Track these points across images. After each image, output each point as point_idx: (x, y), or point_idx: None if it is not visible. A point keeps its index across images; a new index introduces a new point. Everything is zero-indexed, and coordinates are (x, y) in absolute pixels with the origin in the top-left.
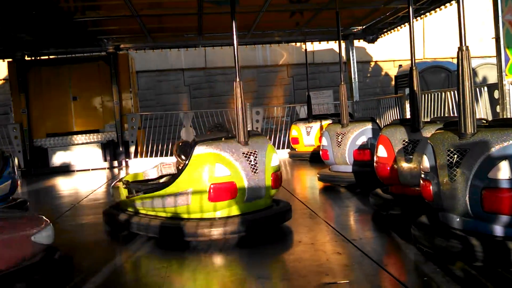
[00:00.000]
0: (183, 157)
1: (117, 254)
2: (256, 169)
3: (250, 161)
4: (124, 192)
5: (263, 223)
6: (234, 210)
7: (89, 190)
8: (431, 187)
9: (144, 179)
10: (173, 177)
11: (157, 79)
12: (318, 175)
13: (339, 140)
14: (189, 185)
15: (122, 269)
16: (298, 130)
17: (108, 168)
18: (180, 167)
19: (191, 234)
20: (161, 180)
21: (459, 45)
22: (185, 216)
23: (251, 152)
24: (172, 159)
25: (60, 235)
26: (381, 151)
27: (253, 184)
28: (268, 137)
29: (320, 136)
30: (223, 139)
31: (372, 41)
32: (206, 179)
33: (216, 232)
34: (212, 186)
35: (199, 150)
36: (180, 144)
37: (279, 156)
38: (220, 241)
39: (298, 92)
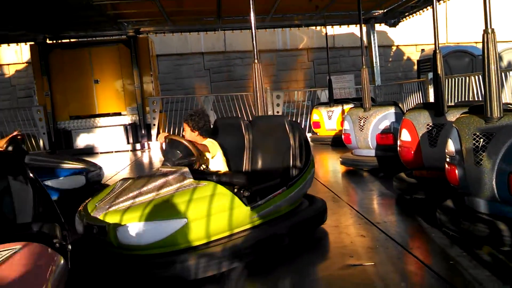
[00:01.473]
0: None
1: None
2: None
3: None
4: None
5: None
6: None
7: (113, 172)
8: (456, 171)
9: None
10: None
11: (177, 62)
12: (340, 159)
13: (361, 124)
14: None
15: None
16: (319, 114)
17: (131, 150)
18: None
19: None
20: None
21: (484, 28)
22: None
23: None
24: None
25: None
26: (405, 135)
27: None
28: None
29: (342, 120)
30: None
31: (393, 25)
32: None
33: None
34: None
35: None
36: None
37: None
38: None
39: (319, 76)
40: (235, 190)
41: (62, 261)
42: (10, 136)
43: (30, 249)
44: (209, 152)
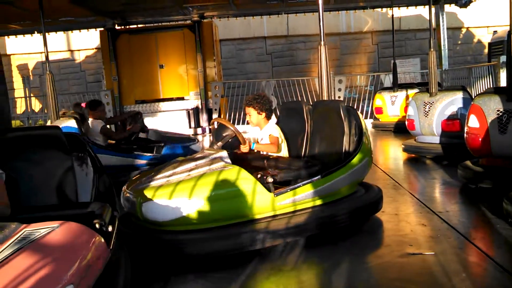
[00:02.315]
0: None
1: None
2: None
3: None
4: None
5: None
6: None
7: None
8: None
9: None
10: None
11: (239, 47)
12: (402, 146)
13: (426, 109)
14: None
15: None
16: (382, 100)
17: (193, 134)
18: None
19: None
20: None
21: None
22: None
23: None
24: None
25: None
26: (473, 121)
27: None
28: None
29: (406, 106)
30: None
31: (464, 5)
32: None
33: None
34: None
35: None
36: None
37: None
38: None
39: (383, 60)
40: (259, 176)
41: (100, 241)
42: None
43: (67, 227)
44: (277, 141)
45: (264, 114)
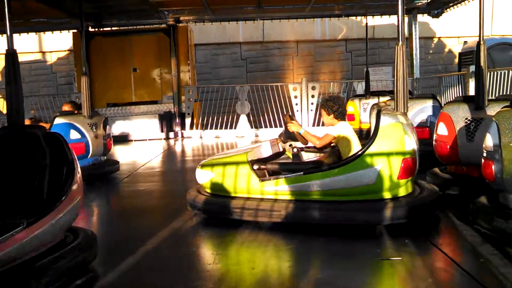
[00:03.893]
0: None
1: (174, 220)
2: (417, 144)
3: (413, 134)
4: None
5: (430, 207)
6: (402, 191)
7: (146, 159)
8: (493, 167)
9: (258, 159)
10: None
11: (214, 52)
12: None
13: None
14: (378, 161)
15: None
16: (354, 107)
17: (164, 139)
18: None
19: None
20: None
21: None
22: (353, 198)
23: (411, 125)
24: (238, 133)
25: (117, 200)
26: (442, 129)
27: (418, 160)
28: None
29: None
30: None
31: (437, 15)
32: (396, 154)
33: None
34: (403, 161)
35: (385, 121)
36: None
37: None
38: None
39: (356, 68)
40: (254, 165)
41: None
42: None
43: None
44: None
45: (332, 115)
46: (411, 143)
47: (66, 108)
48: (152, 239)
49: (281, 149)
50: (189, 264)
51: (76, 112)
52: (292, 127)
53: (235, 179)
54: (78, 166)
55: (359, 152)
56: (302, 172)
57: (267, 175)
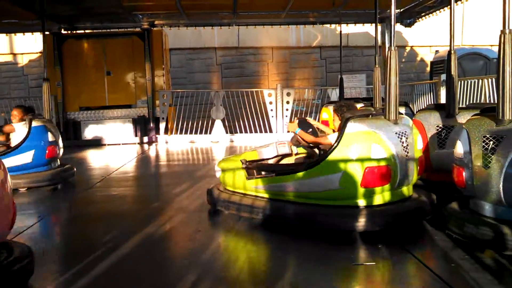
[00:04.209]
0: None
1: (147, 225)
2: (408, 152)
3: (403, 142)
4: (238, 173)
5: (409, 216)
6: (380, 199)
7: (120, 164)
8: (463, 174)
9: (260, 159)
10: (313, 159)
11: (189, 57)
12: None
13: None
14: (340, 167)
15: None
16: (329, 113)
17: (138, 143)
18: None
19: (330, 224)
20: (280, 161)
21: (502, 28)
22: (322, 202)
23: (402, 132)
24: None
25: (90, 205)
26: None
27: (405, 169)
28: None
29: None
30: (370, 116)
31: (409, 25)
32: (360, 161)
33: (359, 224)
34: (367, 169)
35: (352, 128)
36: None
37: None
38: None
39: (331, 75)
40: (243, 163)
41: None
42: None
43: None
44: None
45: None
46: (382, 152)
47: (15, 112)
48: (125, 244)
49: (290, 151)
50: (163, 270)
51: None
52: (289, 127)
53: (233, 176)
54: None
55: (321, 158)
56: (274, 174)
57: (255, 174)
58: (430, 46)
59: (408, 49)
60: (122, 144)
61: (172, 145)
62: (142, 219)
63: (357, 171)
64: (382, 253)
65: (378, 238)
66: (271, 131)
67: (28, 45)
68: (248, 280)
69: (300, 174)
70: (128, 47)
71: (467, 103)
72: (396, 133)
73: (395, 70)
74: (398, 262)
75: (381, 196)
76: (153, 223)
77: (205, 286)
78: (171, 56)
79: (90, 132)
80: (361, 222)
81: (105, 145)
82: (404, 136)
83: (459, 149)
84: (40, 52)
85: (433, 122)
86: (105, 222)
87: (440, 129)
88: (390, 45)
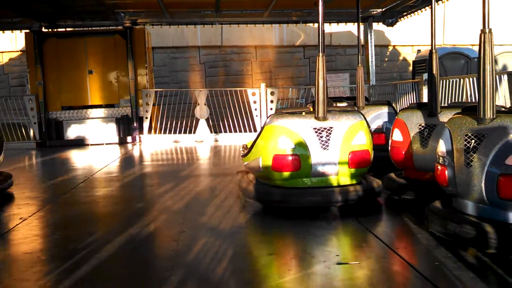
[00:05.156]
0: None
1: (131, 226)
2: (327, 146)
3: (321, 137)
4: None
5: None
6: (299, 182)
7: (103, 164)
8: (446, 172)
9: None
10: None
11: (172, 55)
12: None
13: None
14: (259, 153)
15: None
16: None
17: (122, 143)
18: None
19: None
20: None
21: (482, 28)
22: (264, 181)
23: (324, 128)
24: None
25: (73, 206)
26: (397, 135)
27: (322, 161)
28: None
29: None
30: (303, 113)
31: (391, 24)
32: (270, 150)
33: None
34: (274, 156)
35: (269, 122)
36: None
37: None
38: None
39: (314, 74)
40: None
41: None
42: None
43: None
44: None
45: None
46: (289, 143)
47: None
48: (108, 245)
49: None
50: (147, 271)
51: None
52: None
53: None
54: None
55: (251, 145)
56: (241, 155)
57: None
58: (412, 46)
59: (390, 48)
60: (105, 144)
61: (156, 144)
62: (126, 220)
63: (268, 158)
64: (365, 252)
65: (361, 236)
66: (255, 130)
67: (8, 44)
68: (233, 281)
69: (246, 157)
70: (110, 45)
71: (449, 102)
72: (314, 128)
73: (323, 73)
74: (382, 260)
75: (300, 181)
76: (137, 224)
77: (189, 287)
78: (154, 55)
79: (72, 132)
80: (277, 198)
81: (88, 145)
82: (325, 132)
83: (442, 147)
84: (20, 51)
85: (416, 121)
86: (88, 223)
87: (422, 128)
88: (320, 51)
